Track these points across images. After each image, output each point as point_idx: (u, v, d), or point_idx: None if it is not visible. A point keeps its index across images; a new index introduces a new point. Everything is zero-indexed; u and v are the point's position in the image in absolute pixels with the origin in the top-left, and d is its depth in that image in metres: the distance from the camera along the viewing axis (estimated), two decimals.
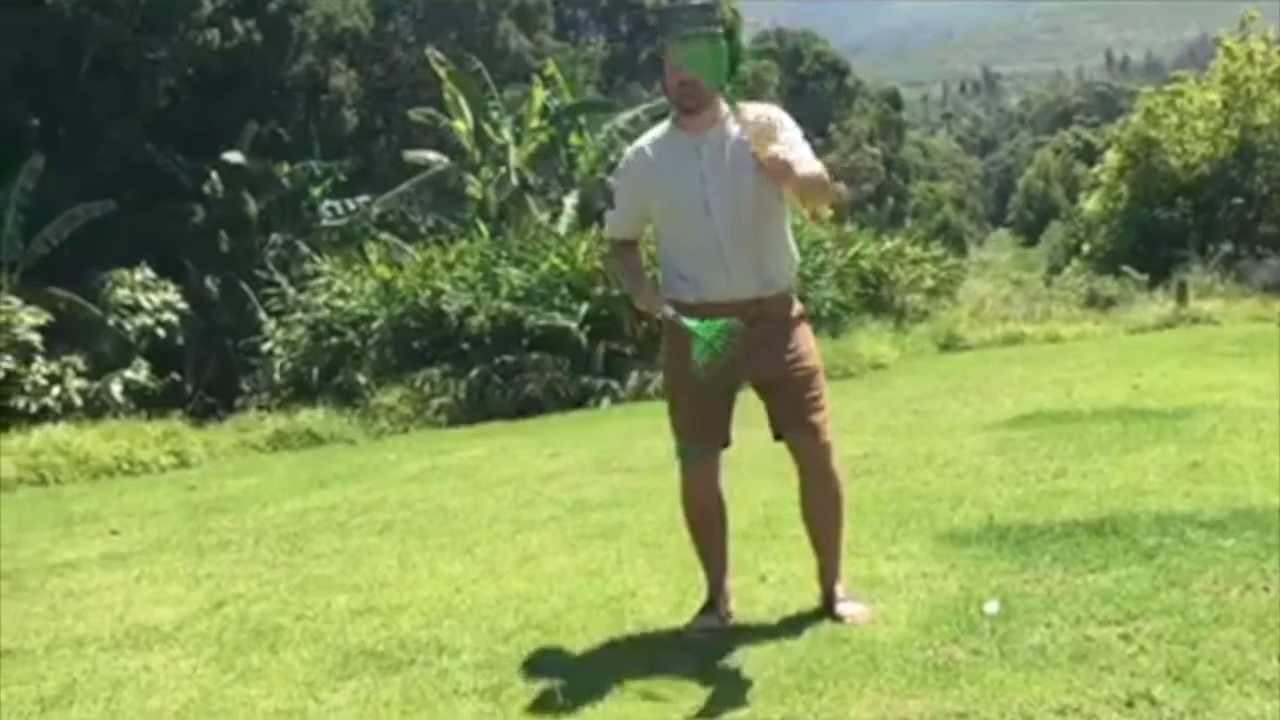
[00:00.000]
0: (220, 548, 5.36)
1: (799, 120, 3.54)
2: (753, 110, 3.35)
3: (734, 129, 3.42)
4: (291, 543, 5.31)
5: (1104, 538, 3.85)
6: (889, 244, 16.77)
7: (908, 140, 56.11)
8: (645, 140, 3.61)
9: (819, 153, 3.53)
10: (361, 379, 11.21)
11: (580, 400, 11.18)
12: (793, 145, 3.39)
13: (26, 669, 3.67)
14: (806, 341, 3.52)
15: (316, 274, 13.36)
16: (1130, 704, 2.64)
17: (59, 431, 9.66)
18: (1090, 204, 25.31)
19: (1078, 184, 47.76)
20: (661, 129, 3.59)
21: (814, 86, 48.38)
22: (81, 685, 3.46)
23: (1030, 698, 2.74)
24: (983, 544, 4.04)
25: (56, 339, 14.68)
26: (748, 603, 3.76)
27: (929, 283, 16.76)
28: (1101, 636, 3.04)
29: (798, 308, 3.56)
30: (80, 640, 3.92)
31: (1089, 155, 48.59)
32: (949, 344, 14.30)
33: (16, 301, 14.58)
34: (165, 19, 17.84)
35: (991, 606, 3.36)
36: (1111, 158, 23.54)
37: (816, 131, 46.89)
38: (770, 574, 4.06)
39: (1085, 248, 24.19)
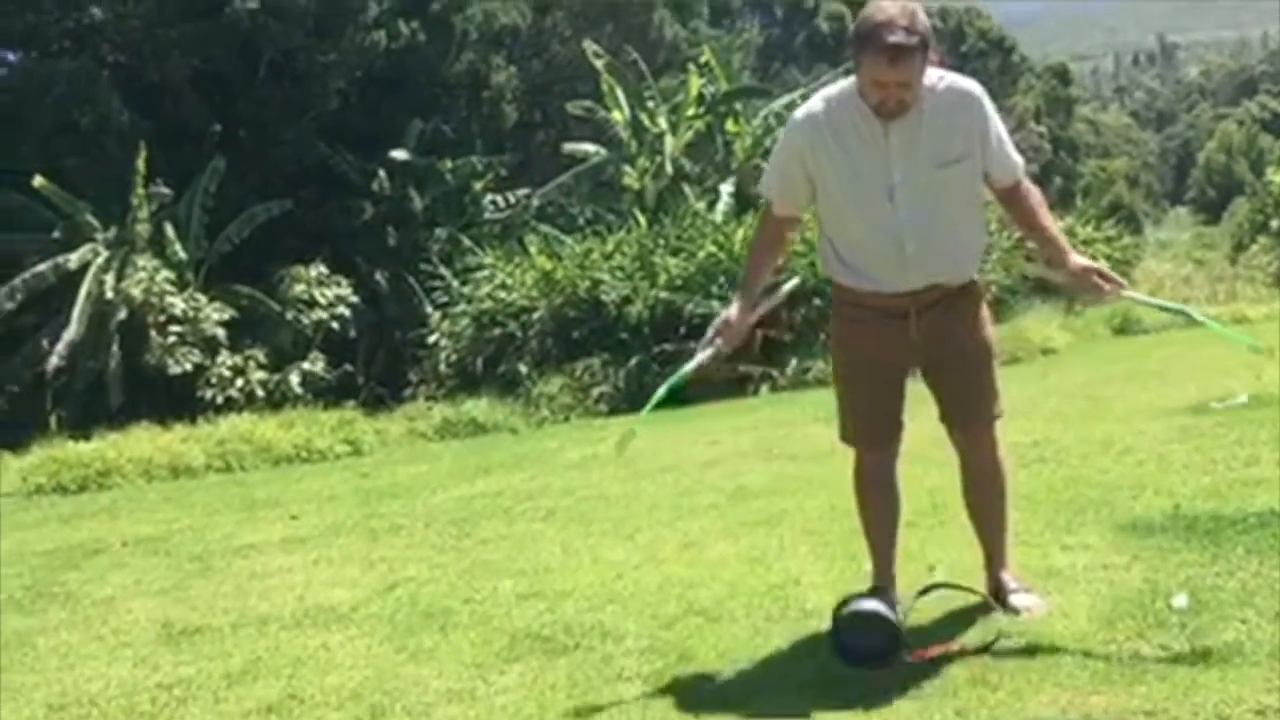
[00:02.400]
0: (392, 532, 5.52)
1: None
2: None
3: (929, 109, 3.01)
4: (459, 528, 5.43)
5: None
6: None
7: (1077, 117, 53.89)
8: (820, 105, 3.09)
9: None
10: (523, 369, 11.43)
11: (739, 388, 11.13)
12: (999, 136, 3.12)
13: (214, 645, 3.86)
14: (983, 329, 3.28)
15: (479, 267, 13.68)
16: None
17: (243, 421, 10.16)
18: (1279, 177, 23.82)
19: (1264, 157, 44.99)
20: (840, 91, 3.09)
21: (976, 65, 46.99)
22: (265, 662, 3.61)
23: (1226, 697, 2.58)
24: (1168, 535, 3.83)
25: (239, 333, 15.45)
26: (914, 588, 3.66)
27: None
28: None
29: (977, 292, 3.28)
30: (263, 619, 4.09)
31: (1277, 126, 45.76)
32: (1124, 327, 13.67)
33: (203, 298, 15.40)
34: (335, 23, 18.53)
35: (1180, 600, 3.18)
36: None
37: None
38: (938, 563, 3.94)
39: (1274, 224, 22.77)
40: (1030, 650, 2.99)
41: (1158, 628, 3.04)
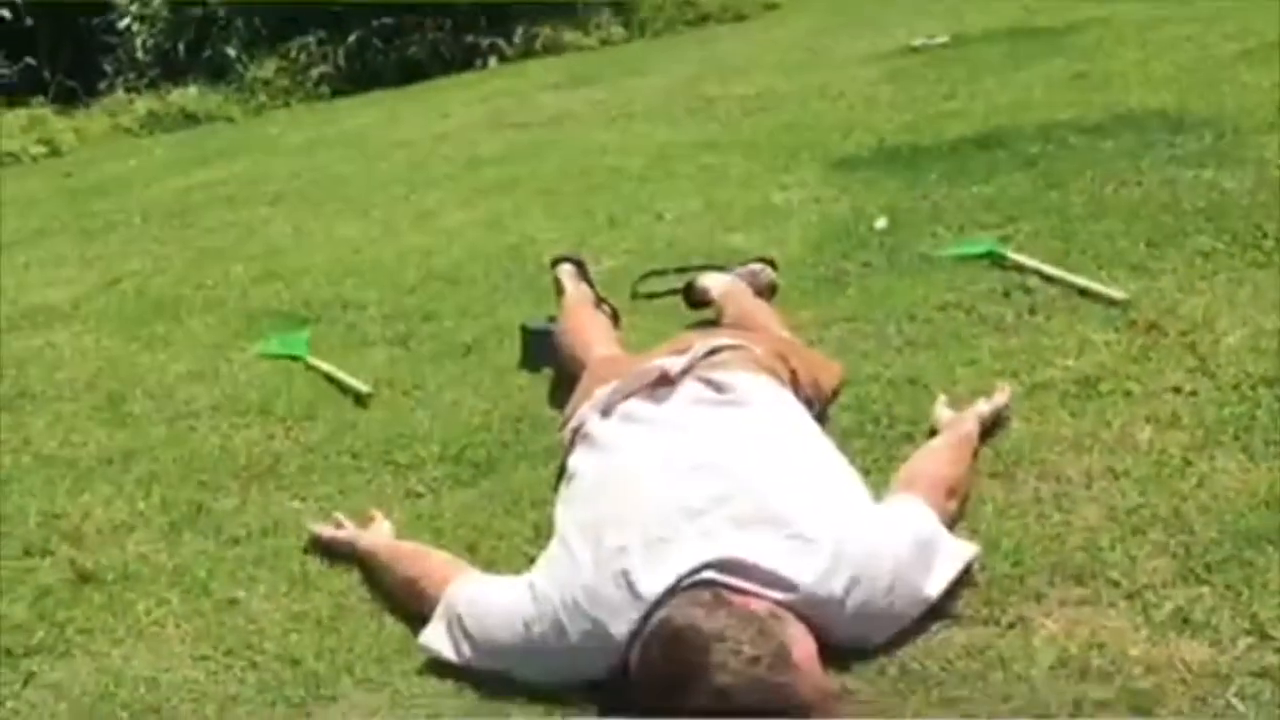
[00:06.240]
0: (107, 230, 5.23)
1: None
2: None
3: None
4: (180, 219, 5.20)
5: (989, 151, 3.93)
6: None
7: None
8: None
9: None
10: (232, 52, 10.59)
11: (467, 61, 10.75)
12: None
13: None
14: None
15: None
16: (1006, 294, 2.80)
17: None
18: None
19: None
20: None
21: None
22: None
23: (915, 299, 2.88)
24: (873, 167, 4.11)
25: None
26: (647, 240, 3.83)
27: None
28: (983, 238, 3.18)
29: None
30: None
31: None
32: None
33: None
34: None
35: (880, 223, 3.47)
36: None
37: None
38: (667, 212, 4.11)
39: None
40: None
41: (861, 248, 3.32)
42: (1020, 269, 2.89)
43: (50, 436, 2.91)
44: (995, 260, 2.98)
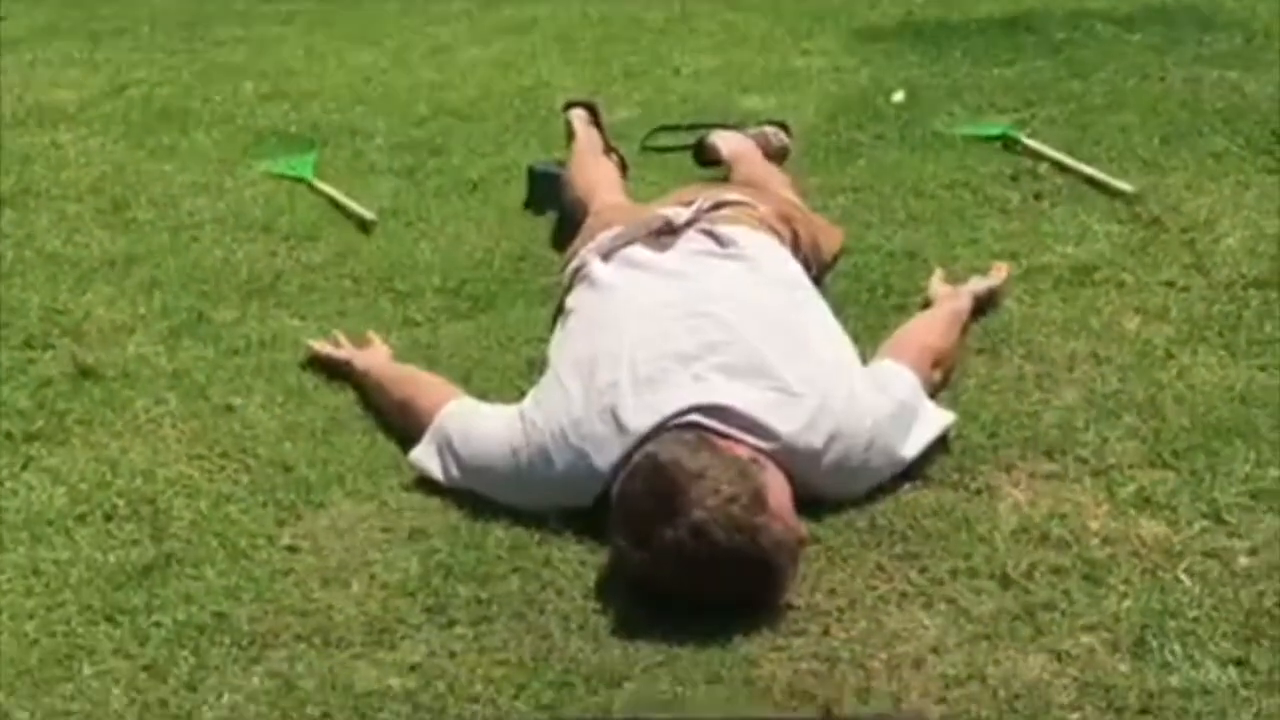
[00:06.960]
0: (115, 34, 5.13)
1: None
2: None
3: None
4: (190, 30, 5.10)
5: (1016, 34, 3.88)
6: None
7: None
8: None
9: None
10: None
11: None
12: None
13: None
14: None
15: None
16: (1014, 178, 2.81)
17: None
18: None
19: None
20: None
21: None
22: None
23: (923, 175, 2.89)
24: (897, 39, 4.05)
25: None
26: (661, 93, 3.80)
27: None
28: (999, 121, 3.16)
29: None
30: None
31: None
32: None
33: None
34: None
35: (898, 96, 3.44)
36: None
37: None
38: (684, 67, 4.06)
39: None
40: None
41: (875, 120, 3.30)
42: (1032, 154, 2.89)
43: (53, 235, 2.92)
44: (1008, 143, 2.98)
